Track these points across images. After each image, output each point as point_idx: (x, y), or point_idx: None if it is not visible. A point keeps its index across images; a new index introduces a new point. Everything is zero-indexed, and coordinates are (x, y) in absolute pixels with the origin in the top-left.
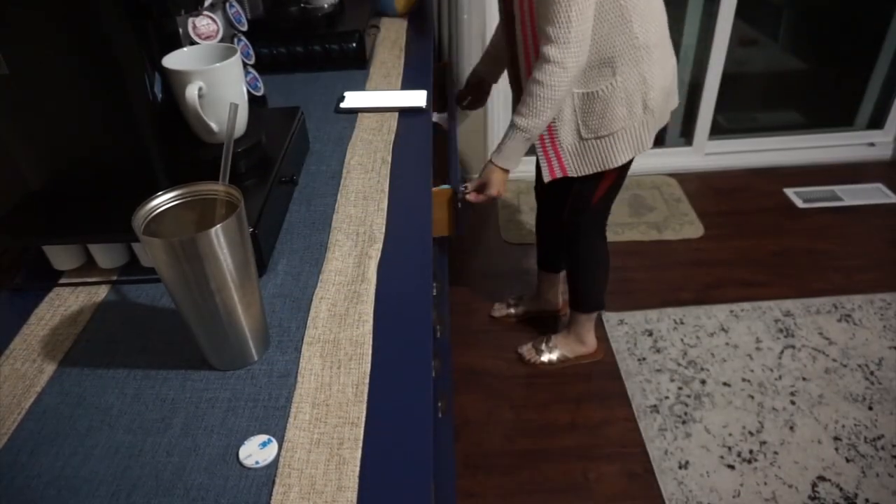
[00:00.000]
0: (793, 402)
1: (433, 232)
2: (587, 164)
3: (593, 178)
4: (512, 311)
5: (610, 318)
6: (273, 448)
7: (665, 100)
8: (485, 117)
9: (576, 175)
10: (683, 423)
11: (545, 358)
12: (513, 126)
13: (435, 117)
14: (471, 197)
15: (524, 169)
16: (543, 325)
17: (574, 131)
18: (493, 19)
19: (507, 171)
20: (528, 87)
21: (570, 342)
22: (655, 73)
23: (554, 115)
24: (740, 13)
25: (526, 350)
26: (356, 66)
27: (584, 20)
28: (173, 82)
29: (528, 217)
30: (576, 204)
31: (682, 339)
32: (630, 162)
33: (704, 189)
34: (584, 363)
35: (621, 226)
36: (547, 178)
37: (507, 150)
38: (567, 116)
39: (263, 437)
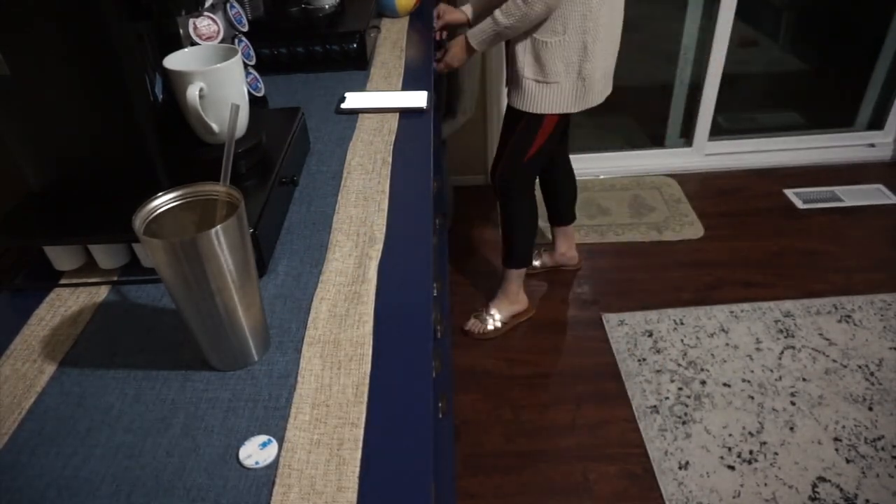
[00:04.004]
0: (793, 403)
1: None
2: (523, 101)
3: (528, 135)
4: (535, 263)
5: (610, 318)
6: (273, 448)
7: (601, 80)
8: (484, 124)
9: (516, 106)
10: (683, 423)
11: (491, 325)
12: (493, 19)
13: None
14: (438, 66)
15: None
16: (541, 329)
17: (521, 69)
18: None
19: (470, 51)
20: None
21: (505, 303)
22: (597, 50)
23: (522, 31)
24: (740, 13)
25: (471, 324)
26: (357, 66)
27: None
28: (174, 83)
29: None
30: (512, 161)
31: (682, 340)
32: (561, 128)
33: (704, 190)
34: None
35: (621, 226)
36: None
37: (479, 31)
38: (521, 56)
39: (263, 438)
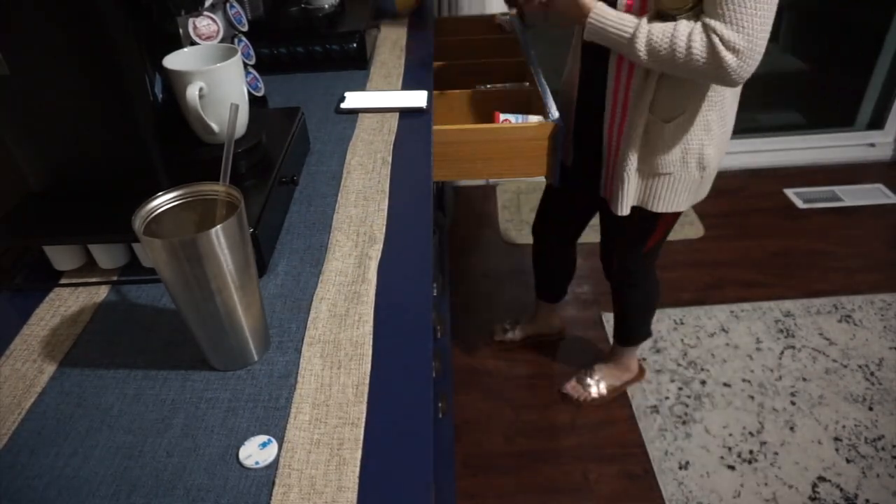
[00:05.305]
0: (793, 403)
1: (529, 173)
2: (642, 198)
3: (651, 221)
4: (509, 336)
5: (610, 318)
6: (273, 448)
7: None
8: None
9: (628, 211)
10: (683, 423)
11: (595, 392)
12: (638, 30)
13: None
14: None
15: None
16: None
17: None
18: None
19: (580, 17)
20: (686, 43)
21: (615, 371)
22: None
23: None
24: None
25: (571, 388)
26: (357, 66)
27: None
28: (174, 82)
29: (528, 217)
30: (629, 253)
31: (682, 340)
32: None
33: None
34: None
35: None
36: (622, 211)
37: (608, 23)
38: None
39: (263, 438)
